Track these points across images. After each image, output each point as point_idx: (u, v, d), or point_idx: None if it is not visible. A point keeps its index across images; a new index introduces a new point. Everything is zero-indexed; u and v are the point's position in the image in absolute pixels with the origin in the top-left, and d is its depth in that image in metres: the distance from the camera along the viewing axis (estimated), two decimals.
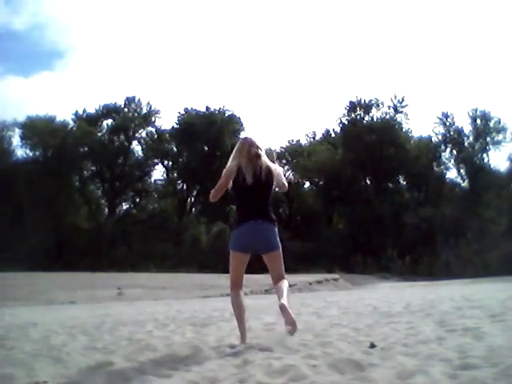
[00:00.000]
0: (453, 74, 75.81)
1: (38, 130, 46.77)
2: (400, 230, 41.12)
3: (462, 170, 47.75)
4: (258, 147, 4.30)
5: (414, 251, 39.61)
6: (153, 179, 53.75)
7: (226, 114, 51.98)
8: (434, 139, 48.40)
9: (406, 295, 10.89)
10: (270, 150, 4.80)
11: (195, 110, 51.98)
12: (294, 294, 18.71)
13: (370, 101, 49.53)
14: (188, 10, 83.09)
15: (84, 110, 51.25)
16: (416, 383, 2.67)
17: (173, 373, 3.27)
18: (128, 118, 51.47)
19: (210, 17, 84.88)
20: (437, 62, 78.08)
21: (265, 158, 4.29)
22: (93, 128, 49.52)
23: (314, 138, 54.47)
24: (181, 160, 52.54)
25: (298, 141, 53.74)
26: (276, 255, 4.27)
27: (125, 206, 53.64)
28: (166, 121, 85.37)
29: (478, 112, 46.47)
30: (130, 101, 52.00)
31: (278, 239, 4.30)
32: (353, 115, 49.96)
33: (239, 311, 4.19)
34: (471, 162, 46.44)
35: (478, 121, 46.60)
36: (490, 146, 46.68)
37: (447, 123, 47.57)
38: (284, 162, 52.31)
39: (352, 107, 49.82)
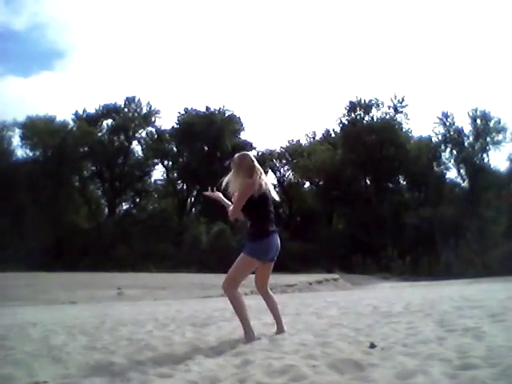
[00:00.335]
0: (453, 74, 75.95)
1: (37, 130, 46.82)
2: (400, 230, 41.08)
3: (462, 170, 47.85)
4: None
5: (414, 251, 39.64)
6: (153, 179, 54.02)
7: (226, 114, 52.03)
8: (434, 139, 48.56)
9: (406, 295, 10.88)
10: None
11: (195, 109, 52.14)
12: (294, 293, 18.74)
13: (370, 101, 49.63)
14: (188, 10, 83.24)
15: (84, 110, 51.48)
16: (416, 383, 2.67)
17: (173, 373, 3.27)
18: (128, 117, 51.50)
19: (210, 17, 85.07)
20: (437, 62, 78.23)
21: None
22: (93, 128, 49.58)
23: (314, 138, 54.56)
24: (181, 160, 52.59)
25: (298, 141, 53.87)
26: (272, 264, 4.53)
27: (125, 206, 53.86)
28: (166, 121, 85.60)
29: (477, 112, 46.59)
30: (129, 101, 52.07)
31: None
32: (353, 115, 50.02)
33: (244, 308, 4.32)
34: (471, 162, 46.44)
35: (478, 121, 46.65)
36: (490, 146, 46.82)
37: (447, 123, 47.65)
38: (284, 161, 52.41)
39: (352, 107, 49.85)
